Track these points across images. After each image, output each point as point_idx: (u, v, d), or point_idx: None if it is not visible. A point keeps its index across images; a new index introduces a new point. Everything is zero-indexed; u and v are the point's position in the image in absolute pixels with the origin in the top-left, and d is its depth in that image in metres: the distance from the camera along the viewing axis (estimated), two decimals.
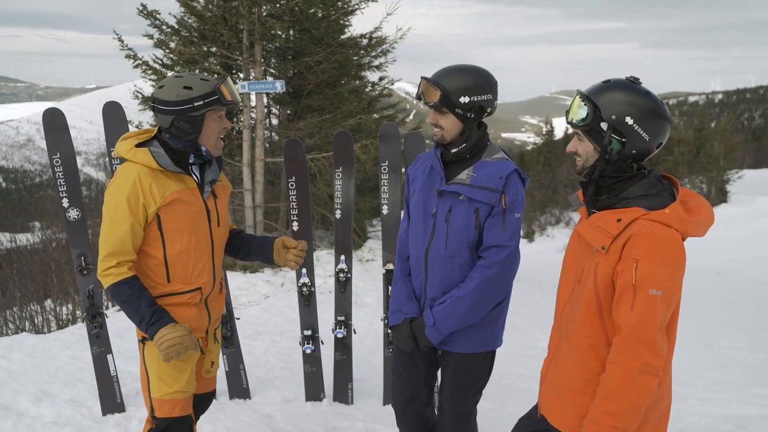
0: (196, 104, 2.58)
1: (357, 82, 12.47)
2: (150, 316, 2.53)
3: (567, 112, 2.25)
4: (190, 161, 2.70)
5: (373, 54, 12.21)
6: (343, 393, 4.77)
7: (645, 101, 2.12)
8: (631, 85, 2.16)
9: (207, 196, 2.78)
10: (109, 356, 4.43)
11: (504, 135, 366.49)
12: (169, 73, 10.87)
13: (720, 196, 34.20)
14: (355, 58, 11.95)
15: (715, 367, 6.41)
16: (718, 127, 41.29)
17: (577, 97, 2.21)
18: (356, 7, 11.52)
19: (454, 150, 2.83)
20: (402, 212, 3.32)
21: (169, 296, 2.71)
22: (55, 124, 4.25)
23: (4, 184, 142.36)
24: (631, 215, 2.10)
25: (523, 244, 32.21)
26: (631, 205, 2.14)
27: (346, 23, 11.97)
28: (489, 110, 2.80)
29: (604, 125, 2.14)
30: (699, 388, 5.58)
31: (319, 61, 10.50)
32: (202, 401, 3.13)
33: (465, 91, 2.70)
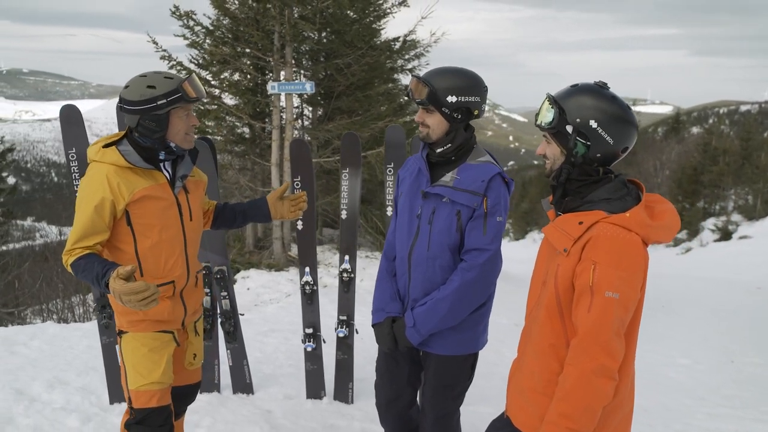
0: (159, 103, 2.61)
1: (389, 85, 12.49)
2: (102, 270, 2.45)
3: (536, 115, 2.27)
4: (161, 158, 2.75)
5: (406, 57, 12.23)
6: (344, 392, 4.80)
7: (610, 106, 2.13)
8: (598, 89, 2.17)
9: (178, 191, 2.82)
10: (117, 346, 4.54)
11: None
12: (203, 73, 11.11)
13: (766, 208, 33.07)
14: (388, 61, 11.98)
15: (732, 382, 6.23)
16: (766, 137, 39.87)
17: (546, 100, 2.23)
18: (389, 11, 11.57)
19: (439, 150, 2.85)
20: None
21: None
22: (71, 119, 4.37)
23: (56, 179, 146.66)
24: (593, 218, 2.11)
25: None
26: (593, 209, 2.16)
27: (379, 27, 12.02)
28: (476, 113, 2.81)
29: (569, 128, 2.16)
30: (710, 403, 5.43)
31: (349, 64, 10.58)
32: (186, 393, 3.19)
33: (453, 90, 2.73)
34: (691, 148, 42.65)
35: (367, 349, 5.50)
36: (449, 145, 2.83)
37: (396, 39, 11.87)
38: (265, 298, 8.43)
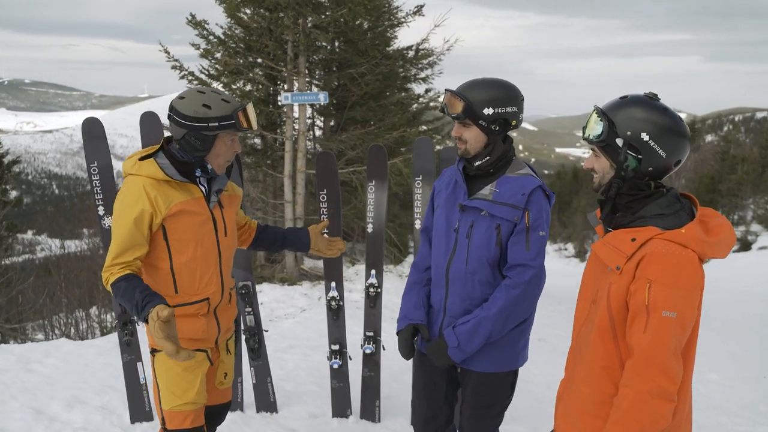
0: (210, 124, 2.59)
1: (402, 94, 12.43)
2: (141, 301, 2.40)
3: (584, 128, 2.23)
4: (197, 174, 2.72)
5: (419, 66, 12.17)
6: (371, 410, 4.69)
7: (662, 118, 2.08)
8: (649, 101, 2.12)
9: (213, 205, 2.78)
10: (138, 364, 4.45)
11: (558, 150, 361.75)
12: (215, 84, 11.01)
13: None
14: (401, 70, 11.92)
15: (767, 399, 6.07)
16: None
17: (594, 112, 2.18)
18: (403, 20, 11.51)
19: (477, 163, 2.79)
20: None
21: (177, 307, 2.71)
22: (93, 132, 4.34)
23: (57, 191, 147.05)
24: (646, 234, 2.06)
25: (574, 264, 31.42)
26: (646, 224, 2.10)
27: (393, 35, 11.96)
28: (514, 123, 2.75)
29: (619, 141, 2.11)
30: (745, 420, 5.28)
31: (363, 73, 10.49)
32: (217, 413, 3.14)
33: (489, 102, 2.67)
34: (708, 157, 42.47)
35: (389, 366, 5.36)
36: (488, 158, 2.77)
37: (409, 47, 11.81)
38: (280, 313, 8.29)
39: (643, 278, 2.00)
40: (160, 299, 2.42)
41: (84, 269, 18.39)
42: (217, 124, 2.59)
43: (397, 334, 3.01)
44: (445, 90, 2.80)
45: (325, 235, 3.36)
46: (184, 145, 2.65)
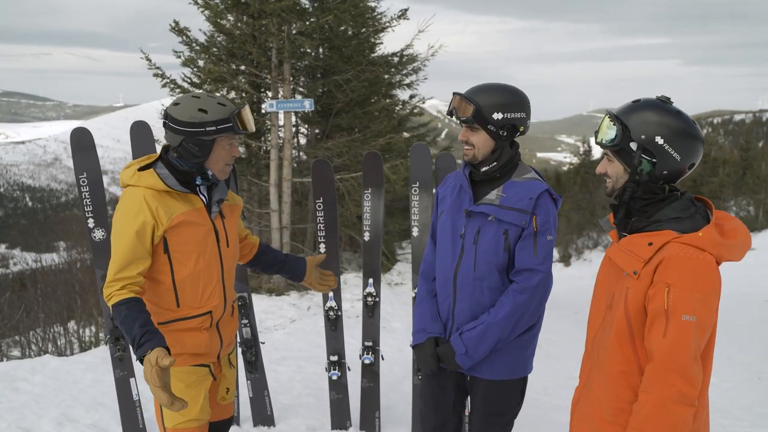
0: (208, 129, 2.53)
1: (387, 100, 12.39)
2: (139, 337, 2.32)
3: (596, 133, 2.22)
4: (197, 183, 2.66)
5: (404, 72, 12.15)
6: (370, 422, 4.62)
7: (676, 121, 2.08)
8: (662, 104, 2.12)
9: (215, 216, 2.72)
10: (131, 380, 4.35)
11: (539, 154, 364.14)
12: (198, 92, 10.83)
13: None
14: (386, 76, 11.87)
15: (765, 400, 6.06)
16: (766, 147, 40.24)
17: (607, 117, 2.18)
18: (388, 25, 11.47)
19: (484, 168, 2.76)
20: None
21: (179, 321, 2.66)
22: (83, 143, 4.25)
23: (30, 204, 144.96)
24: (663, 238, 2.04)
25: (559, 268, 31.46)
26: (662, 228, 2.09)
27: (377, 41, 11.91)
28: (522, 129, 2.74)
29: (633, 145, 2.10)
30: (747, 423, 5.27)
31: (348, 80, 10.42)
32: (219, 429, 3.05)
33: (498, 107, 2.65)
34: None
35: (385, 375, 5.29)
36: (495, 163, 2.75)
37: (394, 53, 11.79)
38: (269, 325, 8.16)
39: (661, 282, 1.98)
40: (160, 340, 2.33)
41: (61, 283, 18.07)
42: (214, 128, 2.53)
43: (415, 347, 2.96)
44: (454, 94, 2.78)
45: (320, 274, 3.35)
46: (182, 153, 2.59)
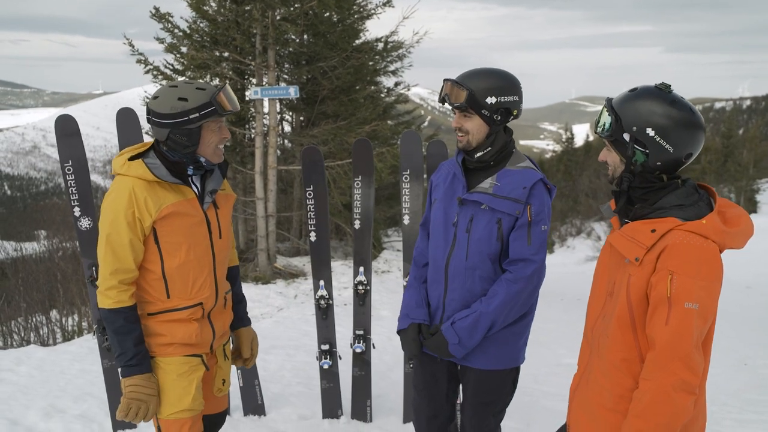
0: (191, 116, 2.47)
1: (372, 87, 12.30)
2: (131, 357, 2.46)
3: (596, 122, 2.20)
4: (189, 172, 2.61)
5: (388, 59, 12.07)
6: (362, 410, 4.60)
7: (670, 110, 2.03)
8: (658, 93, 2.07)
9: (207, 206, 2.67)
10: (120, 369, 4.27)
11: (522, 142, 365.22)
12: (180, 78, 10.72)
13: (749, 206, 33.55)
14: (371, 63, 11.80)
15: (751, 386, 6.14)
16: (746, 134, 40.57)
17: (604, 106, 2.16)
18: (372, 12, 11.38)
19: (478, 155, 2.74)
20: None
21: (169, 312, 2.62)
22: (67, 130, 4.14)
23: (9, 192, 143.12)
24: (666, 226, 2.02)
25: None
26: (665, 215, 2.07)
27: (362, 27, 11.82)
28: (515, 113, 2.71)
29: (626, 136, 2.09)
30: (735, 409, 5.32)
31: (333, 66, 10.33)
32: (215, 421, 3.01)
33: (491, 91, 2.63)
34: None
35: (375, 364, 5.29)
36: (489, 149, 2.72)
37: (379, 39, 11.71)
38: (256, 313, 8.12)
39: (664, 269, 1.97)
40: (148, 366, 2.52)
41: (43, 272, 17.87)
42: (198, 114, 2.47)
43: (399, 333, 2.95)
44: (444, 80, 2.74)
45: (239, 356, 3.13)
46: (171, 145, 2.54)
